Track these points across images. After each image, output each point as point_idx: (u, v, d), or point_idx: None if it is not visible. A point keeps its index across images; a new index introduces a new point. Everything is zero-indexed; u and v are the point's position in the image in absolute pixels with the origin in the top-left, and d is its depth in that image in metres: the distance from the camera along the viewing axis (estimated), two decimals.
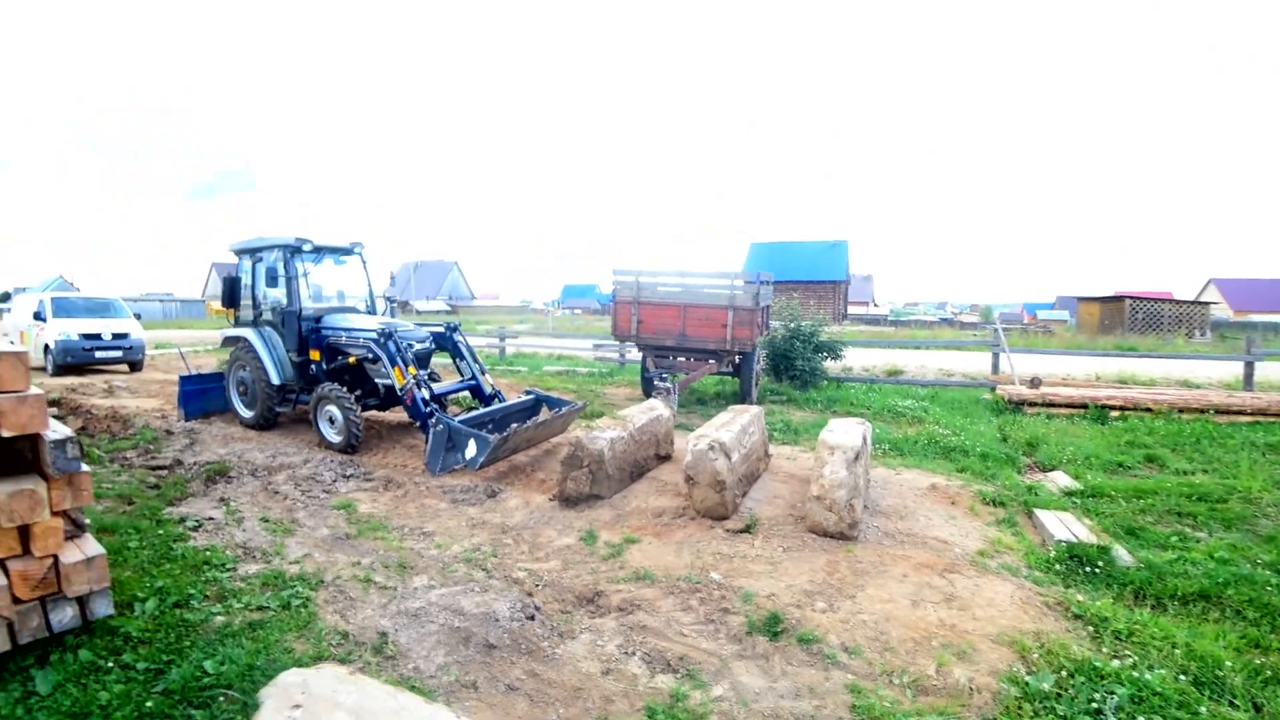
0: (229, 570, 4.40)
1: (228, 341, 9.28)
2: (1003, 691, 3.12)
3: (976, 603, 4.00)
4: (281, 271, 8.33)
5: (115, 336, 14.03)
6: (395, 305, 9.79)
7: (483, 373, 8.63)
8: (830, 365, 13.50)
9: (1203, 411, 9.10)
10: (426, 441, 7.02)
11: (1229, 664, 3.41)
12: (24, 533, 3.21)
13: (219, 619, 3.72)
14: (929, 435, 8.35)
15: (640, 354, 11.56)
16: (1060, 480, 6.72)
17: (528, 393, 8.72)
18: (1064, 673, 3.22)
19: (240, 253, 9.14)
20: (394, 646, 3.51)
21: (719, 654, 3.46)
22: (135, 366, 14.43)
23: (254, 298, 9.08)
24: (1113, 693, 3.04)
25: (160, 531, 5.01)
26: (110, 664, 3.23)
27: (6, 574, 3.15)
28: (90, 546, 3.47)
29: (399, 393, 7.42)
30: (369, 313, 9.28)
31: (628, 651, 3.49)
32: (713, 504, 5.43)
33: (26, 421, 3.20)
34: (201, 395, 9.29)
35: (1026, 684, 3.13)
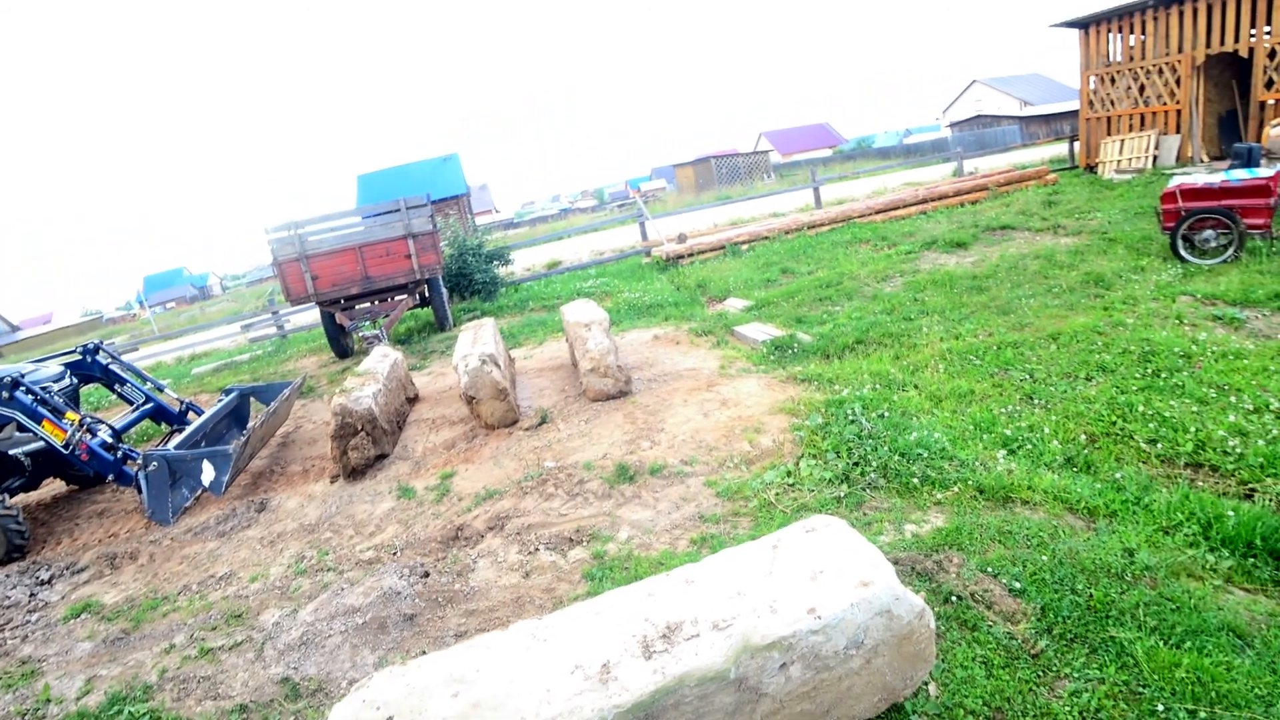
0: None
1: None
2: (795, 436, 4.32)
3: (742, 399, 5.21)
4: None
5: None
6: None
7: (159, 389, 7.25)
8: (502, 271, 14.12)
9: (799, 230, 12.27)
10: (140, 491, 5.81)
11: (892, 370, 5.15)
12: None
13: None
14: (625, 302, 9.65)
15: (320, 313, 10.66)
16: (736, 304, 8.50)
17: (226, 391, 7.59)
18: (821, 411, 4.56)
19: None
20: (311, 681, 3.21)
21: (603, 511, 4.04)
22: None
23: None
24: (853, 408, 4.44)
25: None
26: None
27: None
28: None
29: (64, 450, 5.84)
30: None
31: (531, 550, 3.84)
32: (502, 413, 5.77)
33: None
34: None
35: (806, 426, 4.38)
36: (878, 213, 12.17)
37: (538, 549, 3.85)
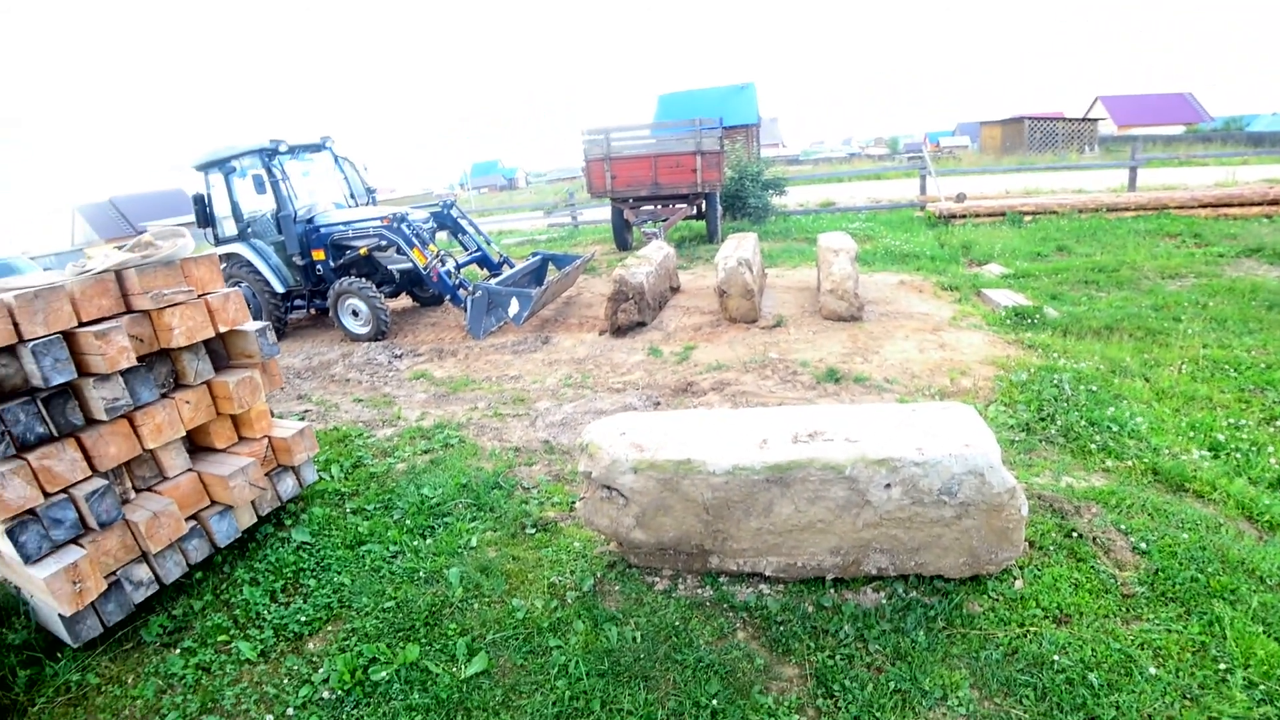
0: (370, 438, 4.99)
1: None
2: (996, 385, 4.67)
3: (961, 346, 5.54)
4: (266, 176, 8.49)
5: None
6: (374, 195, 10.10)
7: (488, 243, 9.36)
8: (775, 201, 14.80)
9: (1097, 210, 11.10)
10: (465, 310, 7.84)
11: (1128, 359, 5.08)
12: (234, 421, 3.54)
13: (400, 465, 4.44)
14: (884, 247, 9.88)
15: (611, 209, 12.43)
16: (995, 270, 8.36)
17: (534, 254, 9.56)
18: (1030, 370, 4.80)
19: (206, 167, 9.04)
20: (563, 445, 4.54)
21: (804, 398, 4.86)
22: None
23: (234, 211, 9.16)
24: (1063, 375, 4.62)
25: None
26: (345, 510, 3.80)
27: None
28: (289, 422, 3.80)
29: (423, 272, 8.03)
30: (353, 206, 9.58)
31: (738, 408, 4.81)
32: (745, 310, 6.72)
33: (235, 316, 3.40)
34: None
35: (1009, 379, 4.69)
36: (1204, 206, 10.49)
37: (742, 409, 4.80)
